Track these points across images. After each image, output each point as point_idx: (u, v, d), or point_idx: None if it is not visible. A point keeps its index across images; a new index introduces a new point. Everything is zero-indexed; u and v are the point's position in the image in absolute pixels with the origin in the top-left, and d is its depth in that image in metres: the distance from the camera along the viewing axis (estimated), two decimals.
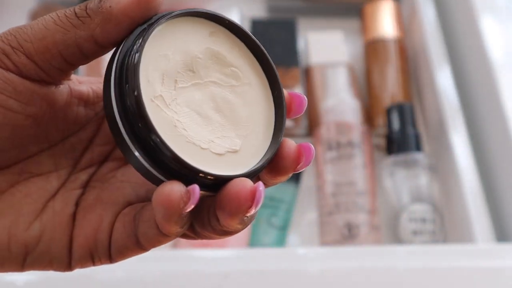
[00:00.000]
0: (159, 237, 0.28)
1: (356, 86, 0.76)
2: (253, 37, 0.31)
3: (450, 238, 0.66)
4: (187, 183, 0.27)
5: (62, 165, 0.30)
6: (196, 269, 0.54)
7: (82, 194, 0.30)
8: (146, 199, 0.30)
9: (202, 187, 0.27)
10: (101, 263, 0.29)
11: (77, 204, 0.30)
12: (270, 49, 0.75)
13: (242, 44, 0.31)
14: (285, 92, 0.30)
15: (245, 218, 0.27)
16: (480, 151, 0.71)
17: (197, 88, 0.29)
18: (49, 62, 0.28)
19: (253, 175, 0.28)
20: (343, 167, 0.67)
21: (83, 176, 0.31)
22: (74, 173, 0.31)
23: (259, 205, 0.27)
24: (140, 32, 0.28)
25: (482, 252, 0.57)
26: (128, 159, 0.27)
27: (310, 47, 0.78)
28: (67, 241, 0.29)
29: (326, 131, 0.69)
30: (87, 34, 0.27)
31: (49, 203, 0.29)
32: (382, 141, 0.73)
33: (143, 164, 0.27)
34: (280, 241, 0.67)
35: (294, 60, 0.75)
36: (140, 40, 0.27)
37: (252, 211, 0.27)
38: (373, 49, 0.78)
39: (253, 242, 0.66)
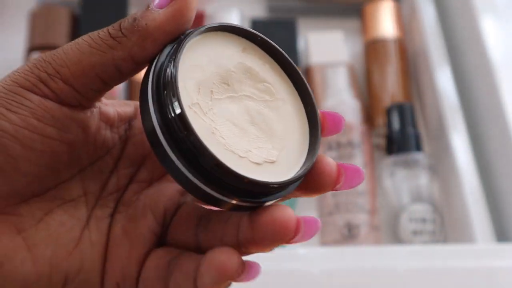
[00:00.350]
0: None
1: (356, 86, 0.76)
2: (284, 54, 0.31)
3: (450, 238, 0.66)
4: (227, 191, 0.27)
5: (90, 190, 0.30)
6: None
7: (111, 223, 0.30)
8: (165, 224, 0.30)
9: (240, 196, 0.27)
10: None
11: (108, 234, 0.30)
12: None
13: (273, 61, 0.31)
14: (318, 111, 0.30)
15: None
16: (480, 151, 0.71)
17: (232, 100, 0.29)
18: (87, 85, 0.28)
19: (295, 182, 0.28)
20: None
21: (110, 202, 0.31)
22: (101, 198, 0.31)
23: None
24: (176, 44, 0.28)
25: (482, 252, 0.57)
26: (168, 170, 0.27)
27: (310, 47, 0.78)
28: (101, 272, 0.29)
29: None
30: (125, 53, 0.28)
31: (85, 232, 0.29)
32: (382, 141, 0.73)
33: (183, 173, 0.27)
34: None
35: (294, 60, 0.75)
36: (177, 51, 0.27)
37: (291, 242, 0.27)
38: (373, 49, 0.78)
39: None
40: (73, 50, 0.28)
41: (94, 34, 0.28)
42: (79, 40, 0.28)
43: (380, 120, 0.73)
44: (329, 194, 0.67)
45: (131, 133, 0.31)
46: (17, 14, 0.80)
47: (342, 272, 0.55)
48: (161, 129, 0.27)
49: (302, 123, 0.30)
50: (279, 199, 0.28)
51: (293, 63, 0.31)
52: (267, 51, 0.31)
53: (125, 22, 0.28)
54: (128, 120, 0.32)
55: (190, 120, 0.26)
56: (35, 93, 0.27)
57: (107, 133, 0.31)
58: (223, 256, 0.26)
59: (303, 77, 0.31)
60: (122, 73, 0.28)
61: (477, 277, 0.56)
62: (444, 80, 0.73)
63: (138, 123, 0.31)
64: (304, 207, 0.70)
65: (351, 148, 0.68)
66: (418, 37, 0.79)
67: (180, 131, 0.26)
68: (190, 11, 0.28)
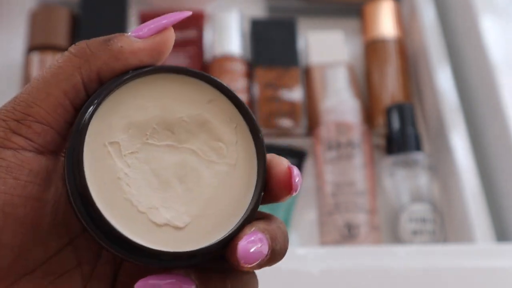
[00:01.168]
0: None
1: (356, 86, 0.76)
2: (252, 115, 0.28)
3: (450, 238, 0.66)
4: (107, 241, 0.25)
5: (84, 260, 0.27)
6: None
7: None
8: None
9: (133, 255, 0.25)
10: None
11: None
12: (270, 49, 0.75)
13: (242, 121, 0.28)
14: (284, 166, 0.27)
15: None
16: (480, 151, 0.71)
17: (170, 150, 0.26)
18: (61, 118, 0.26)
19: (179, 260, 0.25)
20: (343, 167, 0.67)
21: (108, 270, 0.28)
22: (98, 266, 0.28)
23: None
24: (123, 76, 0.26)
25: (482, 252, 0.57)
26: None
27: (310, 47, 0.78)
28: None
29: (326, 131, 0.69)
30: (92, 71, 0.26)
31: None
32: (382, 141, 0.73)
33: (77, 215, 0.25)
34: None
35: (294, 60, 0.75)
36: (113, 83, 0.26)
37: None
38: (373, 49, 0.78)
39: None
40: (39, 85, 0.26)
41: (53, 62, 0.26)
42: (41, 72, 0.26)
43: (380, 120, 0.73)
44: (329, 194, 0.67)
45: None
46: (17, 13, 0.80)
47: (342, 272, 0.55)
48: (65, 162, 0.25)
49: (245, 196, 0.27)
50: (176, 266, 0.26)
51: (258, 127, 0.28)
52: (238, 108, 0.28)
53: (93, 41, 0.26)
54: None
55: (88, 158, 0.24)
56: (7, 147, 0.25)
57: None
58: None
59: (264, 146, 0.27)
60: (88, 93, 0.26)
61: (477, 277, 0.56)
62: (444, 80, 0.73)
63: None
64: (304, 207, 0.70)
65: (351, 148, 0.68)
66: (418, 37, 0.79)
67: (72, 169, 0.25)
68: (167, 49, 0.27)
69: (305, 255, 0.56)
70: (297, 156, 0.72)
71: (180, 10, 0.88)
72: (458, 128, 0.70)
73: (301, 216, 0.69)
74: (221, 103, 0.27)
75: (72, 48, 0.26)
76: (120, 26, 0.74)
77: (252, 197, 0.27)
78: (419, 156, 0.67)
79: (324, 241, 0.66)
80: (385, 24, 0.79)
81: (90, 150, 0.25)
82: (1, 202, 0.24)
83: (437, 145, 0.72)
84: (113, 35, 0.27)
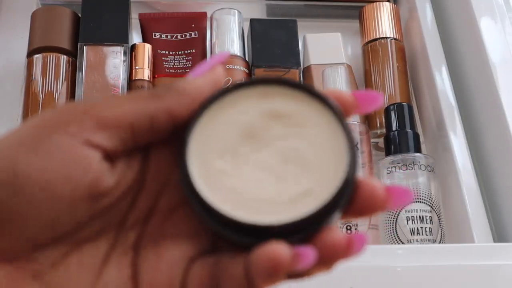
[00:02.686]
0: None
1: (355, 87, 0.76)
2: (304, 85, 0.30)
3: (448, 237, 0.66)
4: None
5: (109, 227, 0.29)
6: None
7: (136, 255, 0.29)
8: (205, 249, 0.30)
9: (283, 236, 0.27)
10: None
11: (135, 266, 0.29)
12: (270, 49, 0.75)
13: (298, 93, 0.30)
14: (349, 94, 0.30)
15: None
16: (479, 151, 0.71)
17: (261, 150, 0.29)
18: (117, 130, 0.28)
19: (323, 214, 0.28)
20: None
21: (131, 236, 0.30)
22: (120, 234, 0.30)
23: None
24: (193, 117, 0.29)
25: (480, 252, 0.58)
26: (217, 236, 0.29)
27: (309, 49, 0.78)
28: None
29: None
30: (163, 106, 0.28)
31: (105, 269, 0.29)
32: (381, 141, 0.73)
33: (225, 237, 0.28)
34: None
35: (294, 61, 0.75)
36: (187, 133, 0.29)
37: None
38: (371, 50, 0.78)
39: None
40: (111, 98, 0.29)
41: (133, 92, 0.29)
42: (116, 95, 0.29)
43: (379, 121, 0.73)
44: None
45: (148, 165, 0.30)
46: (18, 14, 0.80)
47: (341, 271, 0.55)
48: (193, 205, 0.28)
49: (339, 145, 0.29)
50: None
51: (315, 90, 0.30)
52: (288, 85, 0.30)
53: (164, 87, 0.29)
54: (144, 152, 0.31)
55: (206, 195, 0.28)
56: (60, 132, 0.27)
57: (125, 172, 0.29)
58: (273, 247, 0.26)
59: (331, 100, 0.30)
60: (155, 127, 0.29)
61: (475, 276, 0.56)
62: (442, 81, 0.74)
63: (154, 150, 0.31)
64: None
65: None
66: (417, 38, 0.79)
67: (201, 209, 0.28)
68: (222, 82, 0.30)
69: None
70: None
71: (182, 11, 0.87)
72: (456, 128, 0.70)
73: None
74: (271, 91, 0.30)
75: (149, 90, 0.30)
76: (122, 28, 0.74)
77: (347, 145, 0.29)
78: (417, 156, 0.68)
79: None
80: (384, 25, 0.79)
81: (202, 178, 0.29)
82: (41, 178, 0.26)
83: (436, 145, 0.72)
84: (175, 82, 0.30)
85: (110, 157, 0.28)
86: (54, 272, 0.28)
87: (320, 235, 0.28)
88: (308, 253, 0.27)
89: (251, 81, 0.31)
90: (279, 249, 0.26)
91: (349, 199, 0.28)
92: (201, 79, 0.30)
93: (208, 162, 0.29)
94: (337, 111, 0.29)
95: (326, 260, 0.28)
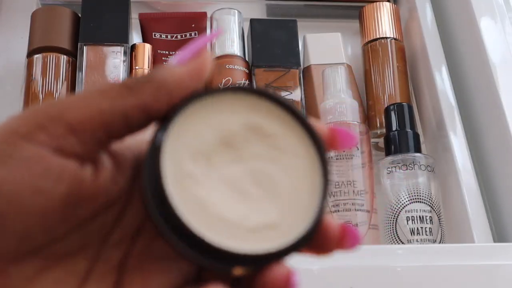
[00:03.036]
0: None
1: (355, 87, 0.76)
2: (293, 107, 0.29)
3: (448, 237, 0.66)
4: (222, 265, 0.26)
5: (90, 243, 0.27)
6: None
7: (120, 277, 0.27)
8: (191, 276, 0.28)
9: (238, 265, 0.26)
10: None
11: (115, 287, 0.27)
12: (270, 49, 0.75)
13: (286, 115, 0.29)
14: (326, 128, 0.29)
15: None
16: (479, 151, 0.71)
17: (235, 163, 0.28)
18: (89, 133, 0.26)
19: (285, 254, 0.27)
20: (342, 167, 0.67)
21: (116, 255, 0.28)
22: (104, 250, 0.28)
23: None
24: (169, 113, 0.27)
25: (480, 252, 0.58)
26: (166, 243, 0.27)
27: (309, 49, 0.78)
28: None
29: None
30: (138, 101, 0.26)
31: None
32: (381, 141, 0.73)
33: (180, 251, 0.26)
34: None
35: (294, 61, 0.75)
36: (167, 123, 0.27)
37: None
38: (371, 50, 0.78)
39: None
40: (81, 95, 0.26)
41: (107, 84, 0.27)
42: (90, 88, 0.27)
43: (379, 121, 0.73)
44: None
45: (137, 181, 0.29)
46: (18, 14, 0.80)
47: (341, 270, 0.55)
48: (151, 205, 0.26)
49: (314, 177, 0.28)
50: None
51: (304, 117, 0.29)
52: (277, 104, 0.29)
53: (141, 76, 0.27)
54: (131, 168, 0.29)
55: (173, 197, 0.26)
56: (28, 141, 0.25)
57: (107, 187, 0.27)
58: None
59: (315, 129, 0.29)
60: (130, 124, 0.26)
61: (475, 276, 0.56)
62: (442, 81, 0.74)
63: None
64: None
65: (350, 148, 0.68)
66: (417, 38, 0.79)
67: (163, 211, 0.26)
68: (208, 70, 0.27)
69: (304, 254, 0.56)
70: None
71: (181, 11, 0.88)
72: (456, 128, 0.70)
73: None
74: (261, 105, 0.29)
75: (123, 80, 0.27)
76: (121, 28, 0.74)
77: (322, 183, 0.28)
78: (417, 156, 0.68)
79: None
80: (384, 25, 0.79)
81: (169, 177, 0.26)
82: (7, 192, 0.25)
83: (436, 145, 0.72)
84: (155, 68, 0.28)
85: (87, 161, 0.27)
86: None
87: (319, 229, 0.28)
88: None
89: (241, 88, 0.29)
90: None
91: (311, 241, 0.28)
92: (184, 69, 0.27)
93: (179, 162, 0.27)
94: (321, 145, 0.28)
95: (323, 249, 0.28)
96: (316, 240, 0.28)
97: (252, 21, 0.78)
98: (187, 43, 0.29)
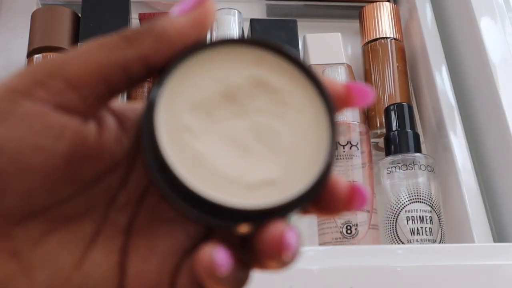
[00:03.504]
0: None
1: None
2: (303, 61, 0.27)
3: (448, 237, 0.66)
4: (221, 222, 0.25)
5: (96, 207, 0.27)
6: None
7: (127, 240, 0.27)
8: (200, 237, 0.28)
9: (235, 221, 0.25)
10: None
11: (124, 252, 0.27)
12: None
13: (294, 68, 0.27)
14: (341, 85, 0.28)
15: (283, 261, 0.26)
16: (479, 151, 0.71)
17: (238, 117, 0.27)
18: (89, 88, 0.25)
19: (287, 209, 0.26)
20: (342, 167, 0.67)
21: (122, 218, 0.27)
22: (110, 214, 0.27)
23: (291, 251, 0.26)
24: (170, 62, 0.26)
25: (480, 252, 0.58)
26: (165, 201, 0.26)
27: (309, 49, 0.78)
28: None
29: None
30: (138, 53, 0.25)
31: (89, 252, 0.27)
32: (380, 141, 0.73)
33: (177, 204, 0.25)
34: None
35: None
36: (166, 72, 0.26)
37: (285, 257, 0.26)
38: (371, 50, 0.78)
39: None
40: (80, 49, 0.26)
41: (106, 36, 0.26)
42: (89, 42, 0.26)
43: (379, 121, 0.73)
44: None
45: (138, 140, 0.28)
46: (18, 14, 0.80)
47: (341, 271, 0.55)
48: (148, 156, 0.25)
49: (320, 134, 0.27)
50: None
51: (311, 70, 0.27)
52: (285, 57, 0.27)
53: (141, 26, 0.26)
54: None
55: (167, 149, 0.25)
56: (27, 97, 0.25)
57: (111, 146, 0.27)
58: (201, 253, 0.25)
59: (323, 83, 0.27)
60: (131, 77, 0.26)
61: (475, 276, 0.56)
62: (442, 81, 0.74)
63: None
64: None
65: (350, 148, 0.68)
66: (417, 38, 0.79)
67: (156, 162, 0.25)
68: (210, 20, 0.26)
69: (304, 254, 0.56)
70: None
71: None
72: (456, 128, 0.70)
73: (301, 216, 0.69)
74: (266, 58, 0.27)
75: (123, 31, 0.26)
76: (121, 28, 0.74)
77: (329, 140, 0.27)
78: (417, 156, 0.68)
79: (323, 241, 0.66)
80: (384, 25, 0.79)
81: (164, 131, 0.25)
82: (9, 150, 0.24)
83: (436, 145, 0.72)
84: (152, 21, 0.26)
85: (89, 118, 0.26)
86: (34, 250, 0.26)
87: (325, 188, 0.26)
88: (218, 255, 0.25)
89: (247, 40, 0.27)
90: (204, 253, 0.25)
91: (315, 197, 0.27)
92: (185, 19, 0.26)
93: (176, 114, 0.26)
94: (330, 102, 0.27)
95: (330, 209, 0.27)
96: (322, 199, 0.27)
97: (252, 21, 0.78)
98: None
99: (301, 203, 0.26)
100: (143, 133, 0.25)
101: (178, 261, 0.27)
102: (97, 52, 0.25)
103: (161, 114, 0.25)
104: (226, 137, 0.26)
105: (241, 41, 0.27)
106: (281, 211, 0.26)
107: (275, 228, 0.26)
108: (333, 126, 0.27)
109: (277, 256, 0.26)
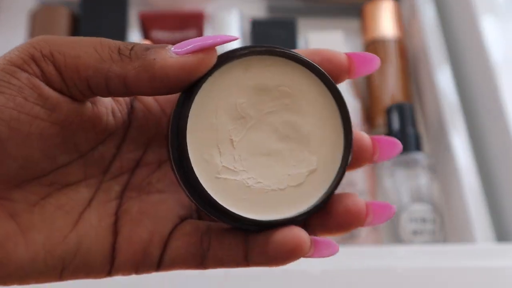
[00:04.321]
0: (243, 264, 0.29)
1: (356, 86, 0.76)
2: (292, 52, 0.28)
3: (450, 238, 0.66)
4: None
5: (92, 174, 0.29)
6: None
7: (120, 205, 0.29)
8: (190, 214, 0.30)
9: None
10: (145, 273, 0.29)
11: (117, 215, 0.29)
12: None
13: (283, 60, 0.28)
14: (343, 55, 0.29)
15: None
16: (480, 151, 0.71)
17: (254, 129, 0.28)
18: (74, 82, 0.27)
19: (298, 221, 0.28)
20: None
21: (116, 185, 0.30)
22: (105, 181, 0.30)
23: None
24: (178, 117, 0.28)
25: (482, 252, 0.58)
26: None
27: (310, 47, 0.78)
28: (108, 253, 0.29)
29: None
30: (120, 72, 0.27)
31: (84, 215, 0.29)
32: None
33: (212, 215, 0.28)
34: None
35: None
36: (179, 132, 0.27)
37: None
38: (373, 49, 0.78)
39: None
40: (78, 44, 0.27)
41: (105, 41, 0.27)
42: (89, 38, 0.28)
43: (380, 120, 0.73)
44: None
45: (133, 116, 0.30)
46: (17, 14, 0.80)
47: (342, 272, 0.55)
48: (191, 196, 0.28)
49: (330, 116, 0.29)
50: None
51: (301, 56, 0.28)
52: (273, 54, 0.28)
53: (138, 46, 0.27)
54: (130, 102, 0.30)
55: (217, 196, 0.27)
56: (24, 70, 0.27)
57: (106, 117, 0.29)
58: (294, 235, 0.27)
59: (318, 66, 0.28)
60: (108, 89, 0.27)
61: (477, 277, 0.56)
62: (444, 80, 0.74)
63: (140, 105, 0.30)
64: None
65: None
66: (418, 37, 0.79)
67: (209, 211, 0.28)
68: (197, 71, 0.27)
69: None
70: None
71: (181, 10, 0.88)
72: (458, 128, 0.70)
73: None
74: (255, 61, 0.28)
75: (122, 45, 0.27)
76: (120, 27, 0.74)
77: (342, 160, 0.29)
78: (419, 156, 0.67)
79: None
80: (385, 24, 0.79)
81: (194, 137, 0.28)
82: (8, 117, 0.26)
83: (437, 145, 0.72)
84: (156, 45, 0.27)
85: (74, 99, 0.28)
86: (32, 213, 0.28)
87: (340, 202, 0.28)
88: (325, 245, 0.28)
89: (228, 56, 0.28)
90: (300, 235, 0.27)
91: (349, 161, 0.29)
92: (178, 60, 0.27)
93: (208, 160, 0.28)
94: (324, 75, 0.28)
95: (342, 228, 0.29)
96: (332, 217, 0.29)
97: (253, 20, 0.78)
98: (194, 37, 0.28)
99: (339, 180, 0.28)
100: (172, 142, 0.27)
101: (171, 225, 0.29)
102: (89, 55, 0.27)
103: (196, 165, 0.27)
104: (254, 153, 0.28)
105: (225, 61, 0.28)
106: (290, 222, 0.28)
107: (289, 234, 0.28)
108: (339, 99, 0.28)
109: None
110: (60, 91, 0.27)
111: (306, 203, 0.28)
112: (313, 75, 0.28)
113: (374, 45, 0.78)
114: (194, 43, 0.27)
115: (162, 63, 0.27)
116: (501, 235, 0.64)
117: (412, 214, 0.65)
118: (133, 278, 0.30)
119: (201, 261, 0.29)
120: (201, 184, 0.27)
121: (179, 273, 0.55)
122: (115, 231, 0.29)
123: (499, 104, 0.67)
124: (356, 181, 0.66)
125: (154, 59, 0.27)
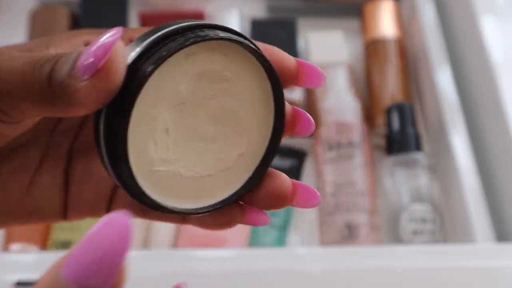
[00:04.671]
0: (180, 221, 0.30)
1: (356, 86, 0.76)
2: (235, 37, 0.27)
3: (450, 238, 0.66)
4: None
5: (40, 133, 0.29)
6: (195, 269, 0.54)
7: (69, 163, 0.30)
8: None
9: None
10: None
11: (66, 174, 0.30)
12: None
13: (227, 44, 0.27)
14: (293, 60, 0.29)
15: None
16: (480, 151, 0.71)
17: (191, 115, 0.27)
18: (6, 105, 0.25)
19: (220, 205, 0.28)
20: (343, 167, 0.67)
21: (64, 143, 0.30)
22: (53, 139, 0.30)
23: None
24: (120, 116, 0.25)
25: (482, 252, 0.57)
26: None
27: (310, 47, 0.78)
28: (60, 210, 0.30)
29: (326, 131, 0.69)
30: (46, 101, 0.24)
31: (37, 177, 0.29)
32: (382, 141, 0.73)
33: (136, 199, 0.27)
34: (280, 241, 0.67)
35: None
36: (121, 119, 0.25)
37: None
38: (373, 49, 0.78)
39: (253, 242, 0.66)
40: (10, 59, 0.25)
41: (35, 60, 0.25)
42: (22, 56, 0.25)
43: (380, 120, 0.73)
44: (329, 194, 0.67)
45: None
46: (17, 14, 0.80)
47: (342, 272, 0.55)
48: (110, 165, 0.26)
49: (267, 104, 0.28)
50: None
51: (246, 42, 0.27)
52: (217, 39, 0.26)
53: (62, 70, 0.24)
54: None
55: (150, 190, 0.27)
56: None
57: None
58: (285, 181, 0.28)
59: (260, 50, 0.27)
60: (34, 106, 0.25)
61: (477, 277, 0.56)
62: (444, 80, 0.74)
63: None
64: None
65: (351, 148, 0.68)
66: (418, 37, 0.79)
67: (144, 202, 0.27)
68: (114, 85, 0.24)
69: (305, 255, 0.56)
70: (297, 156, 0.72)
71: (181, 10, 0.88)
72: (458, 128, 0.70)
73: (302, 216, 0.69)
74: (196, 47, 0.26)
75: (44, 71, 0.24)
76: (120, 26, 0.74)
77: (269, 143, 0.29)
78: (419, 156, 0.67)
79: (324, 241, 0.66)
80: (385, 24, 0.79)
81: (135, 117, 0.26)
82: None
83: (437, 145, 0.72)
84: (70, 67, 0.24)
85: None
86: None
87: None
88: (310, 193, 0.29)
89: (172, 50, 0.25)
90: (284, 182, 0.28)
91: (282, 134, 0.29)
92: (86, 88, 0.23)
93: (143, 153, 0.26)
94: (263, 58, 0.27)
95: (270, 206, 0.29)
96: (263, 196, 0.29)
97: (253, 20, 0.78)
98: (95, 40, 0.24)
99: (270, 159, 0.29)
100: (108, 139, 0.25)
101: (114, 185, 0.30)
102: (20, 78, 0.24)
103: (133, 159, 0.26)
104: (189, 139, 0.28)
105: (166, 55, 0.25)
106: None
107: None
108: (277, 96, 0.28)
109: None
110: None
111: (230, 189, 0.28)
112: (254, 59, 0.27)
113: (374, 45, 0.78)
114: (96, 51, 0.24)
115: (77, 96, 0.24)
116: (501, 235, 0.64)
117: (412, 214, 0.65)
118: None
119: (142, 214, 0.30)
120: (134, 180, 0.26)
121: (179, 273, 0.56)
122: (66, 191, 0.30)
123: (499, 104, 0.67)
124: (356, 181, 0.66)
125: (71, 92, 0.24)
